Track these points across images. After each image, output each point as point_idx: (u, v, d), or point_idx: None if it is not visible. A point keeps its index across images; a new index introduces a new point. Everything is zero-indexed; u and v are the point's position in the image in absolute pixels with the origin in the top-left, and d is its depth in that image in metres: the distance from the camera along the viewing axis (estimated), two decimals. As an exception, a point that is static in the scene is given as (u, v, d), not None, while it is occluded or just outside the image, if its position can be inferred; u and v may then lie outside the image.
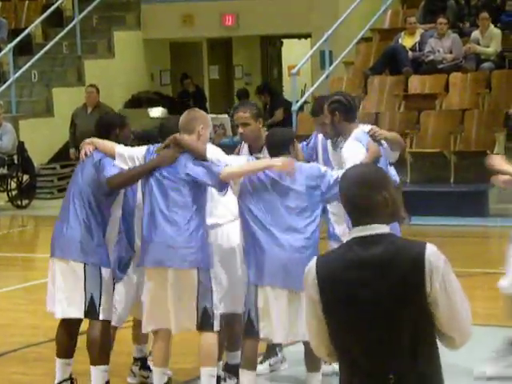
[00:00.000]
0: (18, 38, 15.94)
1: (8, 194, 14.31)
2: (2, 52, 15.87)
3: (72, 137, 13.76)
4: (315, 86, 14.61)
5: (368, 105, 13.92)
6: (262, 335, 5.16)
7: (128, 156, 5.39)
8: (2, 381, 6.12)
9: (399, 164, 13.21)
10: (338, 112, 5.59)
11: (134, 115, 16.78)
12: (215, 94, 18.25)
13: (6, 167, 14.21)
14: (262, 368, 5.92)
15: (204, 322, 5.23)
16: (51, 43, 16.14)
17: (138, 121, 16.55)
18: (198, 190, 5.26)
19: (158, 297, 5.25)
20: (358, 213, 2.86)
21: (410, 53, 13.90)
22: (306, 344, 5.08)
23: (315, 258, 2.89)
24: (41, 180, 14.64)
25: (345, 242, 2.90)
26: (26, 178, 14.46)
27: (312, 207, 5.12)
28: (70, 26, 16.43)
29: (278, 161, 5.17)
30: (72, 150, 13.78)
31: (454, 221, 11.55)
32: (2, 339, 6.97)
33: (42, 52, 15.97)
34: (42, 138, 15.15)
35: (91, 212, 5.41)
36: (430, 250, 2.83)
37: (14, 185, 14.37)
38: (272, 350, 6.03)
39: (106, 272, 5.42)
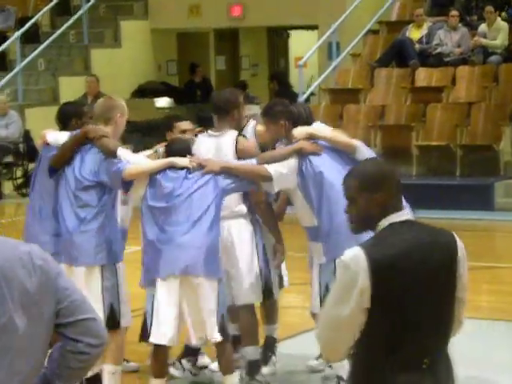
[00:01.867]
0: (26, 27, 15.94)
1: (13, 183, 14.34)
2: (10, 40, 15.85)
3: None
4: (322, 77, 14.59)
5: (374, 97, 13.90)
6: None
7: None
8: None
9: (405, 157, 13.30)
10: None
11: (141, 105, 16.80)
12: (222, 85, 18.22)
13: (11, 156, 14.23)
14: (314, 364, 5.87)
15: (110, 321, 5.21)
16: (58, 32, 16.12)
17: (144, 111, 16.58)
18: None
19: None
20: (399, 198, 2.96)
21: (417, 45, 13.88)
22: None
23: (359, 247, 2.85)
24: (46, 169, 14.65)
25: (382, 228, 2.91)
26: (31, 166, 14.48)
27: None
28: (78, 14, 16.42)
29: (180, 160, 5.21)
30: None
31: (459, 214, 11.53)
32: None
33: (49, 41, 15.95)
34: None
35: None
36: (457, 237, 2.99)
37: (19, 173, 14.39)
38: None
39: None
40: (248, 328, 5.62)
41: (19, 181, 14.38)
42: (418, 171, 12.81)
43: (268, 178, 5.24)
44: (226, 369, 5.26)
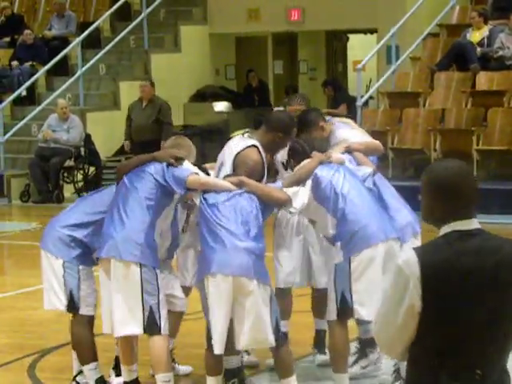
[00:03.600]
0: (87, 32, 16.15)
1: (74, 186, 14.53)
2: (71, 45, 16.09)
3: (127, 129, 13.92)
4: (381, 81, 14.52)
5: (434, 101, 13.79)
6: None
7: None
8: (55, 369, 6.23)
9: (465, 161, 13.10)
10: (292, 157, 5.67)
11: (199, 109, 16.92)
12: (279, 89, 18.26)
13: (72, 159, 14.43)
14: (353, 370, 5.80)
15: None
16: (119, 37, 16.32)
17: (203, 115, 16.69)
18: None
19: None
20: (467, 206, 2.87)
21: (478, 49, 13.72)
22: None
23: (412, 251, 2.83)
24: (106, 172, 14.82)
25: (442, 234, 2.86)
26: (92, 170, 14.66)
27: None
28: (138, 20, 16.58)
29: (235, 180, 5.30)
30: (126, 143, 13.95)
31: (521, 219, 11.38)
32: (49, 334, 7.07)
33: (110, 46, 16.15)
34: (109, 131, 15.33)
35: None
36: None
37: (80, 177, 14.58)
38: (362, 351, 5.94)
39: (83, 269, 5.46)
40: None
41: (80, 184, 14.57)
42: (479, 176, 12.64)
43: (288, 202, 5.27)
44: (284, 372, 5.22)
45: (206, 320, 5.19)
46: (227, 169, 5.49)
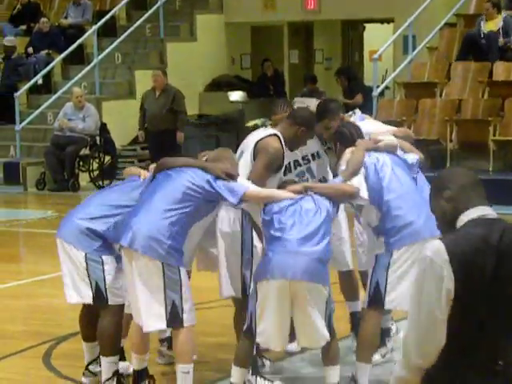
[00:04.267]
0: (103, 20, 16.16)
1: (90, 175, 14.55)
2: (87, 33, 16.09)
3: (141, 119, 13.88)
4: (397, 71, 14.46)
5: (451, 91, 13.73)
6: None
7: None
8: (70, 357, 6.25)
9: (481, 152, 13.11)
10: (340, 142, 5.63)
11: (214, 98, 16.90)
12: (295, 79, 18.22)
13: (88, 148, 14.45)
14: (376, 359, 5.79)
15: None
16: (135, 26, 16.30)
17: (218, 104, 16.68)
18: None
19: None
20: (473, 194, 2.93)
21: (500, 39, 13.58)
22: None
23: (438, 241, 2.84)
24: (122, 161, 14.84)
25: (467, 221, 2.89)
26: (107, 158, 14.69)
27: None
28: (154, 8, 16.57)
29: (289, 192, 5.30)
30: (140, 132, 13.91)
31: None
32: (64, 322, 7.10)
33: (126, 34, 16.14)
34: (124, 120, 15.33)
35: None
36: None
37: (95, 165, 14.61)
38: (381, 340, 5.90)
39: (106, 259, 5.40)
40: None
41: (95, 173, 14.59)
42: (495, 166, 12.60)
43: (357, 193, 5.28)
44: (330, 360, 5.25)
45: (250, 315, 5.18)
46: (247, 157, 5.48)
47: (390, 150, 5.54)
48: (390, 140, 5.60)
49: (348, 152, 5.47)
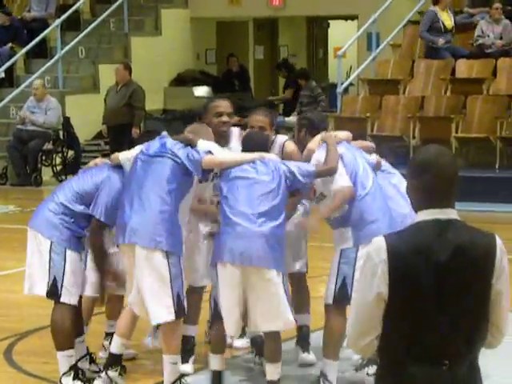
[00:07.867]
0: (66, 14, 16.03)
1: (53, 169, 14.47)
2: (50, 27, 15.97)
3: (104, 113, 13.85)
4: (361, 67, 14.53)
5: (414, 88, 13.82)
6: None
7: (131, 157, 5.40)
8: (31, 352, 6.21)
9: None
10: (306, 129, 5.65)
11: (179, 93, 16.87)
12: (260, 75, 18.24)
13: (51, 142, 14.36)
14: (359, 375, 5.74)
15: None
16: (98, 20, 16.22)
17: (183, 99, 16.64)
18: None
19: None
20: (443, 194, 2.84)
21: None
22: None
23: (382, 237, 2.84)
24: (85, 156, 14.77)
25: (415, 222, 2.86)
26: (71, 153, 14.60)
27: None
28: (118, 2, 16.48)
29: (268, 154, 5.30)
30: (103, 127, 13.88)
31: (498, 207, 11.44)
32: (26, 317, 7.08)
33: (90, 28, 16.05)
34: (88, 114, 15.25)
35: None
36: (499, 241, 2.85)
37: (58, 160, 14.52)
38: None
39: (69, 255, 5.39)
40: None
41: (58, 167, 14.50)
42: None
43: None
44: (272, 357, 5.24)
45: (212, 301, 5.20)
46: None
47: (347, 140, 5.59)
48: (344, 134, 5.63)
49: (315, 141, 5.46)
